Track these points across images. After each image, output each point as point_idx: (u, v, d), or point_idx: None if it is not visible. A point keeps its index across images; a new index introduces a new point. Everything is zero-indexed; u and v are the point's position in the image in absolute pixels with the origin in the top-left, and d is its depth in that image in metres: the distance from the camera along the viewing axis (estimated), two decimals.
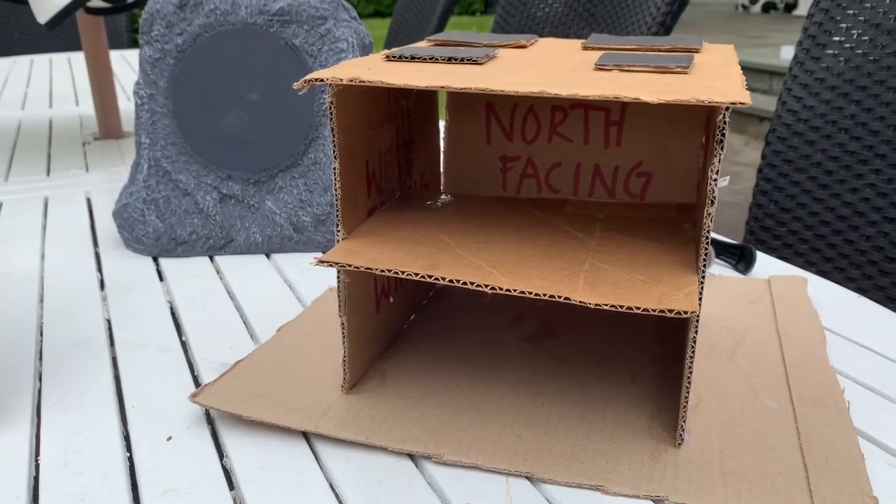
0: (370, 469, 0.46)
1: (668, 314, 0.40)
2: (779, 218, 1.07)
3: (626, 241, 0.50)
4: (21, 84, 1.82)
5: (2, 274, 0.75)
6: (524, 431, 0.49)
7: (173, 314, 0.67)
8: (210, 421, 0.51)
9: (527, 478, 0.46)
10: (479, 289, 0.43)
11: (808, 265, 1.05)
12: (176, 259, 0.79)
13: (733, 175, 3.18)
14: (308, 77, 0.43)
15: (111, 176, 1.07)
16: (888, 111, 0.95)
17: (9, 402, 0.53)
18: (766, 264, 0.76)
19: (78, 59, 2.15)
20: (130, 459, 0.48)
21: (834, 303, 0.68)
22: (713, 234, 0.81)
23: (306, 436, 0.49)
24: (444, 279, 0.43)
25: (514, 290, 0.42)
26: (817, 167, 1.02)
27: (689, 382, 0.45)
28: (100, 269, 0.76)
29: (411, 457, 0.47)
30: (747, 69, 4.15)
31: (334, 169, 0.46)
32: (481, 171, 0.66)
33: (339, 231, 0.48)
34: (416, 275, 0.44)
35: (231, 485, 0.46)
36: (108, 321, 0.66)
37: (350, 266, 0.45)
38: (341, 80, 0.42)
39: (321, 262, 0.45)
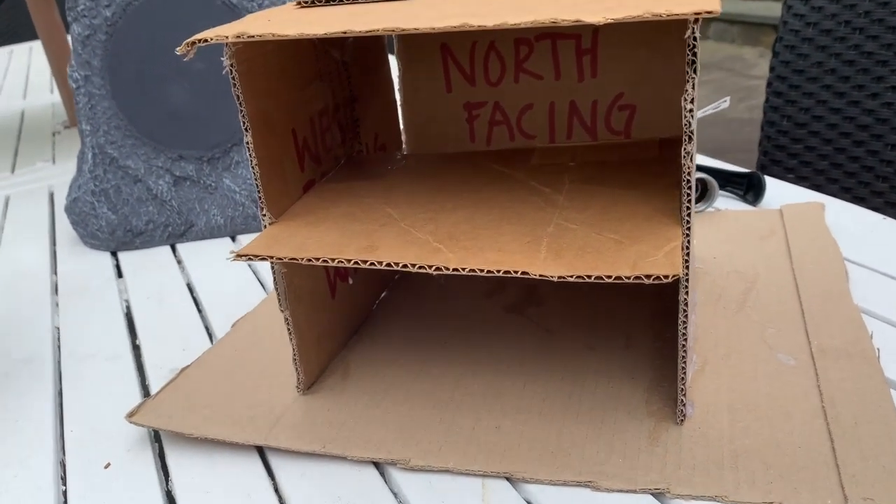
0: (328, 483, 0.40)
1: (646, 281, 0.33)
2: (794, 135, 0.98)
3: (599, 191, 0.43)
4: None
5: None
6: (503, 422, 0.42)
7: (128, 315, 0.61)
8: (157, 438, 0.46)
9: (506, 478, 0.39)
10: (423, 271, 0.36)
11: (829, 182, 0.96)
12: (136, 251, 0.73)
13: (748, 90, 3.04)
14: (190, 39, 0.36)
15: None
16: None
17: None
18: (779, 191, 0.68)
19: None
20: (65, 494, 0.43)
21: (856, 228, 0.60)
22: (716, 163, 0.73)
23: (259, 447, 0.44)
24: (381, 263, 0.37)
25: (463, 270, 0.35)
26: (831, 74, 0.93)
27: (685, 352, 0.39)
28: (55, 271, 0.71)
29: (375, 464, 0.42)
30: None
31: (247, 143, 0.40)
32: (445, 123, 0.58)
33: (264, 216, 0.42)
34: (349, 261, 0.37)
35: None
36: (58, 329, 0.60)
37: (272, 258, 0.38)
38: (227, 37, 0.35)
39: (239, 256, 0.38)
